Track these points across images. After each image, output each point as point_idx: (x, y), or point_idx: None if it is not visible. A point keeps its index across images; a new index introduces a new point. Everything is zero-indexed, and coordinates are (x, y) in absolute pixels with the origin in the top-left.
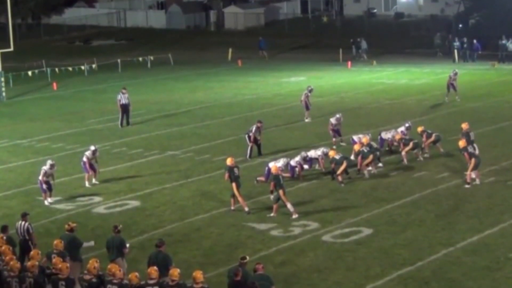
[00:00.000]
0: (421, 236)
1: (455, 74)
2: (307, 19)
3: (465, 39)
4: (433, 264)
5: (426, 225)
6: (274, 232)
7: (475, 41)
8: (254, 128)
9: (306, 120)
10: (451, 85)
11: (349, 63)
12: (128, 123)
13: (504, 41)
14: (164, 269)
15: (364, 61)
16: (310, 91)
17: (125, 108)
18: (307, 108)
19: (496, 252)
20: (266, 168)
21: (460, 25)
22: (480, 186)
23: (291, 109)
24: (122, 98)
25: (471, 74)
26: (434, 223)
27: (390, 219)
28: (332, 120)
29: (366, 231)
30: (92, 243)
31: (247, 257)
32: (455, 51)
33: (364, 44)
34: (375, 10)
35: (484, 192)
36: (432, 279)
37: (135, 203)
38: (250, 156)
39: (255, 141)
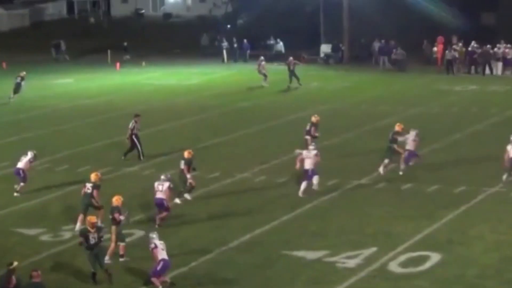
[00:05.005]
0: (193, 236)
1: (262, 60)
2: (74, 20)
3: (234, 39)
4: (206, 264)
5: (198, 225)
6: (44, 237)
7: (245, 40)
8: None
9: None
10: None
11: (118, 64)
12: None
13: (272, 41)
14: None
15: (67, 61)
16: None
17: None
18: None
19: (269, 250)
20: None
21: (229, 26)
22: (252, 184)
23: (58, 112)
24: None
25: (242, 74)
26: (207, 223)
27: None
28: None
29: (139, 233)
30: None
31: (15, 263)
32: (224, 51)
33: (63, 46)
34: (143, 11)
35: (255, 191)
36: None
37: None
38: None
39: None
